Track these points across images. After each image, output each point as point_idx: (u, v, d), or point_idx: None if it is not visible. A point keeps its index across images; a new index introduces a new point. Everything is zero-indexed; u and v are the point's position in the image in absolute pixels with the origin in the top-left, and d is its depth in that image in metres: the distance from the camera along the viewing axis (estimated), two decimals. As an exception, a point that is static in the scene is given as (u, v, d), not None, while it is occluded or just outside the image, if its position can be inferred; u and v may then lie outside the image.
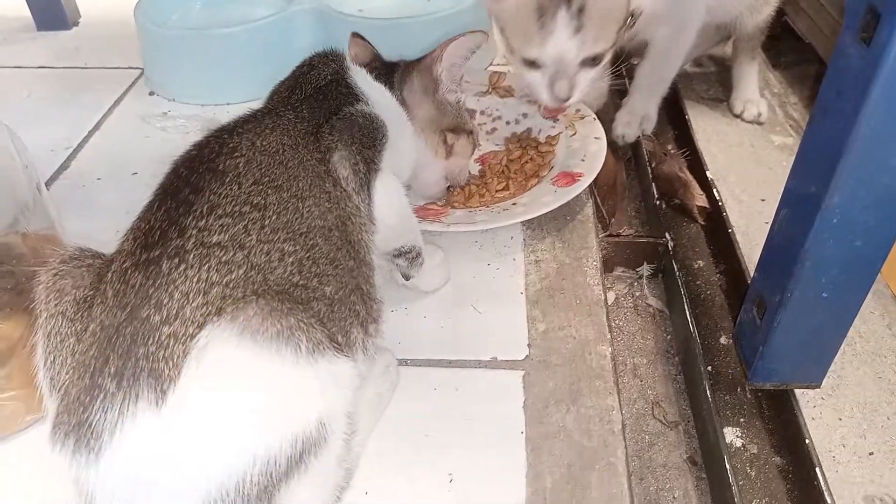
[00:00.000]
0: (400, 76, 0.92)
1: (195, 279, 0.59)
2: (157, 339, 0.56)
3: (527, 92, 1.07)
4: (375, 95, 0.83)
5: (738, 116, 1.39)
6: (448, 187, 1.02)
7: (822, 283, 0.68)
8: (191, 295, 0.58)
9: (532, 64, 0.96)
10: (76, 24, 1.66)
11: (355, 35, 0.97)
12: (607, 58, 0.97)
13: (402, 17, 1.32)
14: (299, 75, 0.84)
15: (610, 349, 0.85)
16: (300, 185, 0.69)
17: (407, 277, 0.89)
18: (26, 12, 1.62)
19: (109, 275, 0.62)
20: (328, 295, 0.66)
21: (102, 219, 0.96)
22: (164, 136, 1.27)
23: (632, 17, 1.02)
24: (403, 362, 0.84)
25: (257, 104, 0.82)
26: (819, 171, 0.62)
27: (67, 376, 0.60)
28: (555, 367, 0.83)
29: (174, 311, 0.57)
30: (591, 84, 1.00)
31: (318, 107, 0.78)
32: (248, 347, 0.57)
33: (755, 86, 1.39)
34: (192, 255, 0.60)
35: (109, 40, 1.57)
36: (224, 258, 0.60)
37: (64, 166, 1.20)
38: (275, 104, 0.80)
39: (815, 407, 0.85)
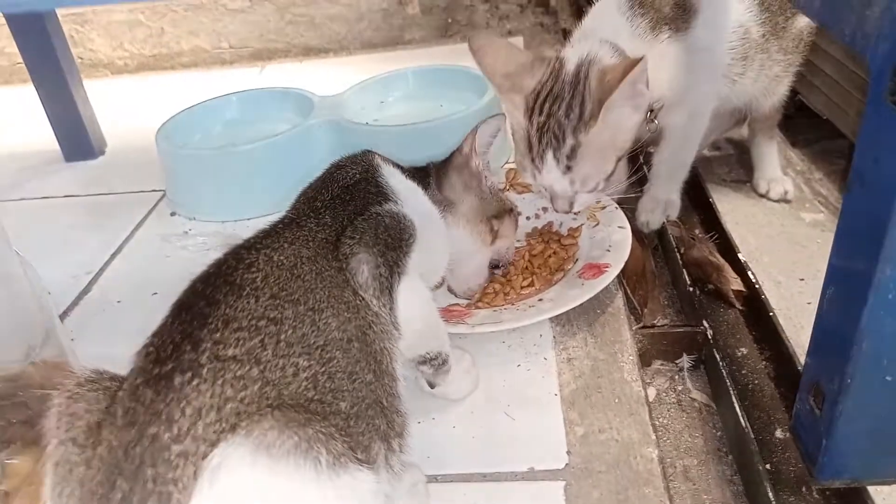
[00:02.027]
0: (436, 178, 0.91)
1: (209, 394, 0.56)
2: (166, 458, 0.53)
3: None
4: (406, 194, 0.82)
5: (763, 196, 1.35)
6: (498, 267, 1.00)
7: (884, 365, 0.62)
8: (203, 411, 0.55)
9: None
10: (102, 153, 1.71)
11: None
12: (613, 172, 0.98)
13: (417, 123, 1.34)
14: (327, 176, 0.83)
15: (657, 451, 0.78)
16: (317, 296, 0.66)
17: (433, 385, 0.84)
18: (55, 145, 1.68)
19: (120, 393, 0.59)
20: (343, 410, 0.62)
21: (122, 342, 0.94)
22: (185, 256, 1.27)
23: (651, 112, 1.02)
24: (433, 478, 0.78)
25: (277, 217, 0.80)
26: (866, 244, 0.58)
27: None
28: (598, 475, 0.76)
29: (185, 428, 0.54)
30: (594, 198, 1.01)
31: (342, 209, 0.76)
32: (264, 464, 0.53)
33: (777, 164, 1.37)
34: (206, 370, 0.57)
35: (134, 166, 1.61)
36: (239, 373, 0.58)
37: (85, 291, 1.20)
38: (298, 211, 0.79)
39: (895, 506, 0.77)
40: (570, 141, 0.91)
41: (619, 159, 0.96)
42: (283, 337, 0.61)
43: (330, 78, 1.90)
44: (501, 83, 0.95)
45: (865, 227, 0.58)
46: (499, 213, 0.94)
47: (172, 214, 1.40)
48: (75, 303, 1.17)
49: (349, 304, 0.69)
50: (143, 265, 1.26)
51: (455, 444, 0.82)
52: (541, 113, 0.93)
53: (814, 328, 0.70)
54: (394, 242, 0.74)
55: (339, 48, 2.21)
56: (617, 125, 0.92)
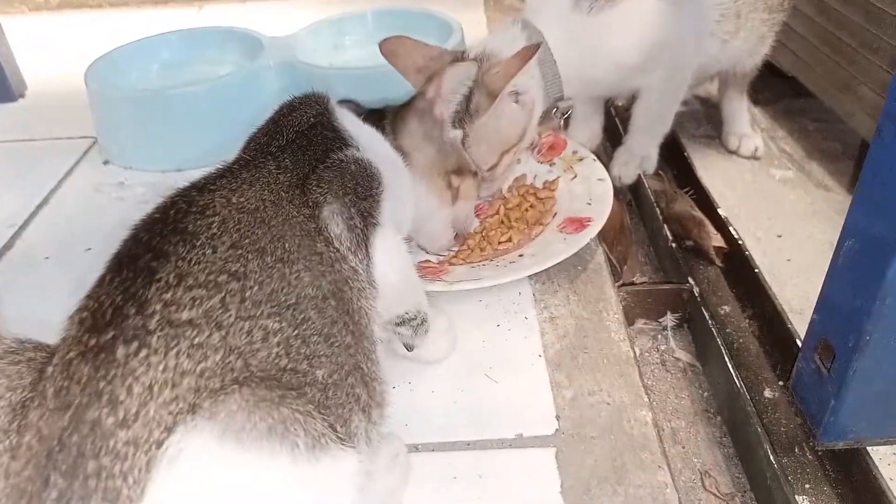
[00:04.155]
0: (393, 122, 0.83)
1: (161, 367, 0.47)
2: (111, 448, 0.45)
3: None
4: (366, 139, 0.74)
5: (733, 152, 1.33)
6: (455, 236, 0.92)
7: (908, 320, 0.58)
8: (155, 388, 0.46)
9: None
10: (22, 95, 1.54)
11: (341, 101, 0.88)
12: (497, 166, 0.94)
13: (375, 67, 1.24)
14: (279, 119, 0.74)
15: (651, 414, 0.74)
16: (286, 246, 0.58)
17: (410, 348, 0.77)
18: (-33, 87, 1.51)
19: (50, 369, 0.50)
20: (320, 379, 0.55)
21: (51, 303, 0.84)
22: (122, 208, 1.15)
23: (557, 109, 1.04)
24: (413, 448, 0.71)
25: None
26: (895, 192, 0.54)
27: None
28: (591, 441, 0.71)
29: (133, 411, 0.46)
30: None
31: (301, 154, 0.68)
32: (232, 452, 0.45)
33: (747, 120, 1.34)
34: (155, 338, 0.48)
35: (59, 110, 1.46)
36: (197, 340, 0.49)
37: (7, 246, 1.07)
38: (252, 154, 0.70)
39: (890, 465, 0.75)
40: (458, 130, 0.89)
41: (503, 154, 0.92)
42: (247, 295, 0.53)
43: (276, 20, 1.77)
44: (416, 79, 0.93)
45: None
46: (460, 169, 0.86)
47: (105, 163, 1.27)
48: (-4, 259, 1.04)
49: (322, 257, 0.61)
50: (73, 218, 1.13)
51: (435, 410, 0.76)
52: None
53: (825, 283, 0.66)
54: (363, 191, 0.67)
55: (284, -10, 2.06)
56: (504, 118, 0.91)
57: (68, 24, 1.99)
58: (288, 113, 0.75)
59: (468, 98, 0.87)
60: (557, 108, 1.05)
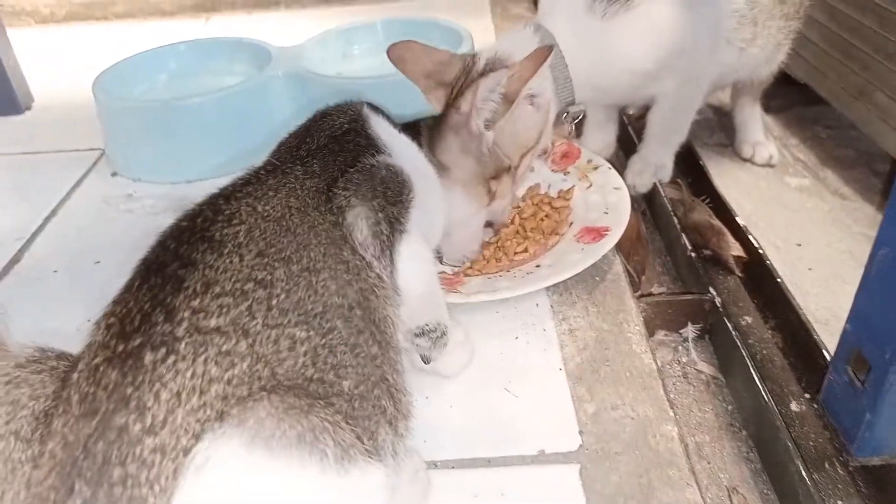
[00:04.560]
0: (429, 139, 0.81)
1: (189, 374, 0.47)
2: (137, 455, 0.44)
3: None
4: (399, 147, 0.73)
5: (747, 160, 1.31)
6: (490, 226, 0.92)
7: (945, 332, 0.56)
8: (183, 395, 0.46)
9: None
10: (29, 107, 1.54)
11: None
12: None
13: (385, 76, 1.23)
14: (311, 124, 0.74)
15: (676, 429, 0.72)
16: (312, 254, 0.57)
17: (427, 360, 0.76)
18: (-27, 99, 1.50)
19: (75, 375, 0.49)
20: (347, 390, 0.54)
21: (60, 316, 0.83)
22: (131, 220, 1.13)
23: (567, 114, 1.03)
24: (432, 464, 0.69)
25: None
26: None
27: None
28: (615, 457, 0.69)
29: (161, 417, 0.45)
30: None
31: (332, 159, 0.67)
32: (262, 459, 0.45)
33: (761, 128, 1.32)
34: (183, 344, 0.48)
35: (66, 123, 1.45)
36: (225, 347, 0.49)
37: (15, 259, 1.06)
38: (281, 158, 0.69)
39: (926, 480, 0.72)
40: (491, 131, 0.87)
41: (521, 157, 0.90)
42: (274, 303, 0.52)
43: (283, 30, 1.76)
44: (426, 84, 0.90)
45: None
46: (497, 173, 0.85)
47: (114, 175, 1.26)
48: (4, 273, 1.03)
49: (348, 265, 0.60)
50: (82, 230, 1.12)
51: (454, 425, 0.74)
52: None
53: (859, 293, 0.64)
54: (394, 196, 0.66)
55: (291, 0, 2.06)
56: (521, 121, 0.88)
57: (75, 36, 1.99)
58: (321, 118, 0.75)
59: None
60: (567, 114, 1.04)
